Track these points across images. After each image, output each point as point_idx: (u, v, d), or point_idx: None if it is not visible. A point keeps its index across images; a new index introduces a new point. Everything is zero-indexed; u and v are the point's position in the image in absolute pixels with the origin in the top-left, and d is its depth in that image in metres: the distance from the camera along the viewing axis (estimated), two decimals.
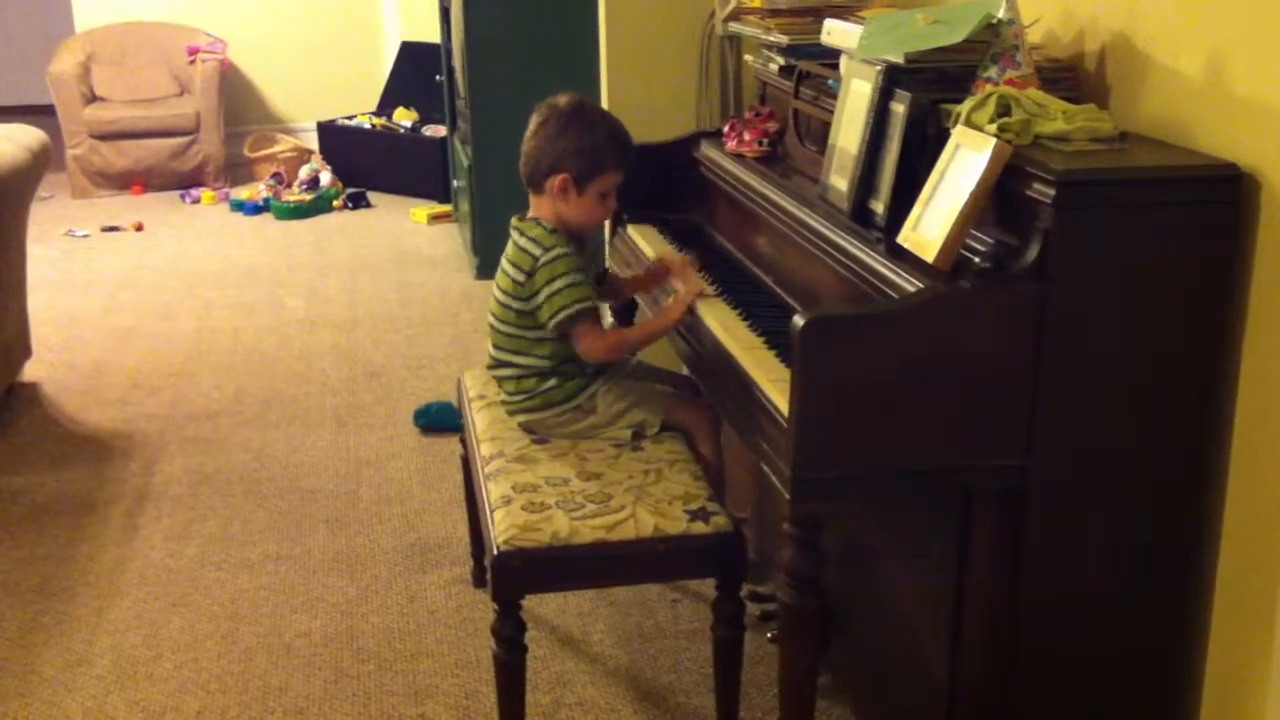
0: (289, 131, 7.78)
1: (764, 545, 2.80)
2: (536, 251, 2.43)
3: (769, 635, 2.61)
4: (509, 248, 2.50)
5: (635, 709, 2.56)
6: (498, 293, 2.52)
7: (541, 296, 2.42)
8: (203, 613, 2.93)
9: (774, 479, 1.89)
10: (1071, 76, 2.18)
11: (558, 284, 2.41)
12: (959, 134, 1.92)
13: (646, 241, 2.96)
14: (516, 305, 2.47)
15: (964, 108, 1.96)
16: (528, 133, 2.50)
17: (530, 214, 2.52)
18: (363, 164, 7.12)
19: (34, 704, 2.61)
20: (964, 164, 1.87)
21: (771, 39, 2.79)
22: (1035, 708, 1.97)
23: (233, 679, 2.68)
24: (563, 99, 2.50)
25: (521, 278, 2.45)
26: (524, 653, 2.28)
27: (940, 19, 2.15)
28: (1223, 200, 1.79)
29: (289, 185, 6.99)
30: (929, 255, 1.87)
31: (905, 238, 1.96)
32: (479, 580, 2.99)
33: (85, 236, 6.37)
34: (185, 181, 7.26)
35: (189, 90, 7.38)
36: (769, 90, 2.97)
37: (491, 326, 2.55)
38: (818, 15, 2.69)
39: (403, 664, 2.71)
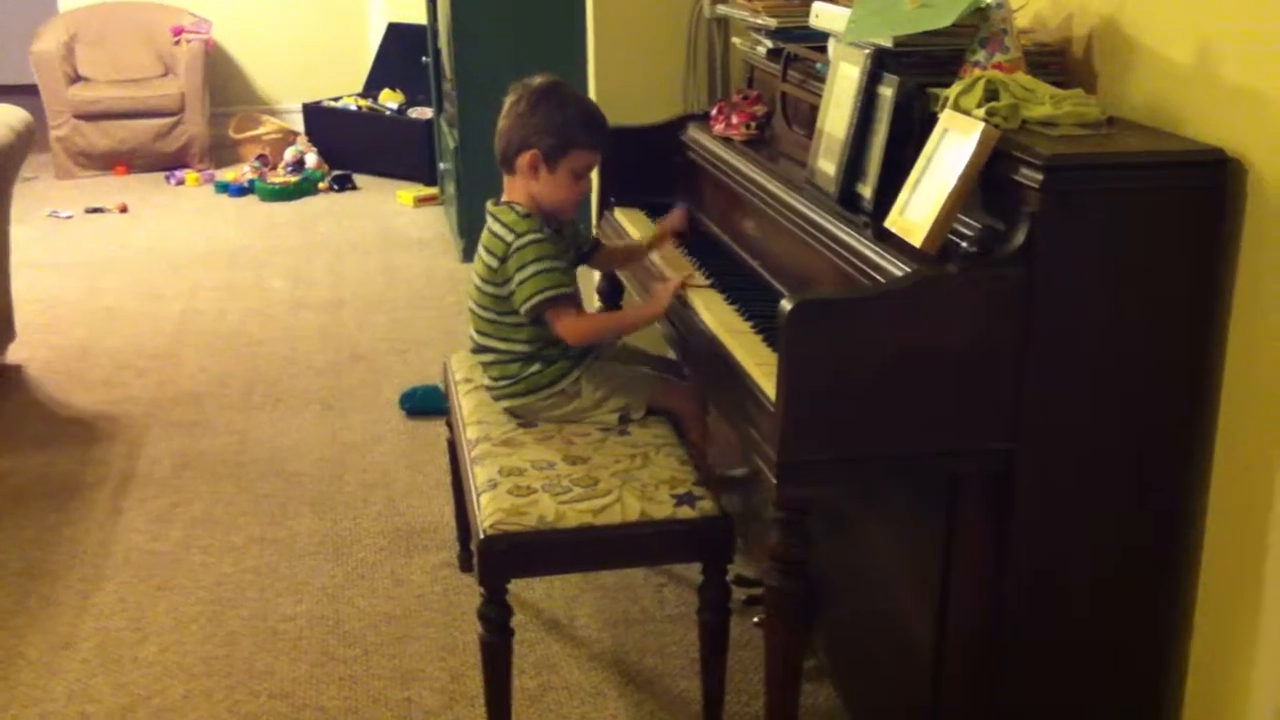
0: (274, 113, 7.74)
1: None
2: (509, 237, 2.42)
3: (755, 620, 2.62)
4: (484, 233, 2.49)
5: (621, 692, 2.56)
6: (476, 278, 2.51)
7: (514, 283, 2.42)
8: (187, 596, 2.93)
9: (760, 463, 1.89)
10: (1059, 61, 2.17)
11: (529, 270, 2.40)
12: (947, 118, 1.92)
13: (633, 225, 2.95)
14: (492, 290, 2.47)
15: (952, 92, 1.96)
16: (501, 113, 2.50)
17: (504, 197, 2.51)
18: (348, 146, 7.09)
19: (18, 687, 2.60)
20: (951, 148, 1.87)
21: (759, 22, 2.78)
22: (1020, 690, 1.97)
23: (218, 662, 2.68)
24: (536, 79, 2.50)
25: (495, 263, 2.44)
26: (510, 636, 2.28)
27: (928, 2, 2.14)
28: (1209, 185, 1.79)
29: (274, 167, 6.96)
30: (916, 239, 1.87)
31: (893, 222, 1.95)
32: (465, 564, 2.99)
33: (69, 218, 6.34)
34: (169, 163, 7.23)
35: (173, 71, 7.34)
36: (756, 73, 2.96)
37: (472, 311, 2.55)
38: None
39: (389, 648, 2.71)
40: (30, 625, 2.82)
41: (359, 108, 7.22)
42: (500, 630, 2.26)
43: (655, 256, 2.72)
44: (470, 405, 2.61)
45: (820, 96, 2.32)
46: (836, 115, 2.22)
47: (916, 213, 1.90)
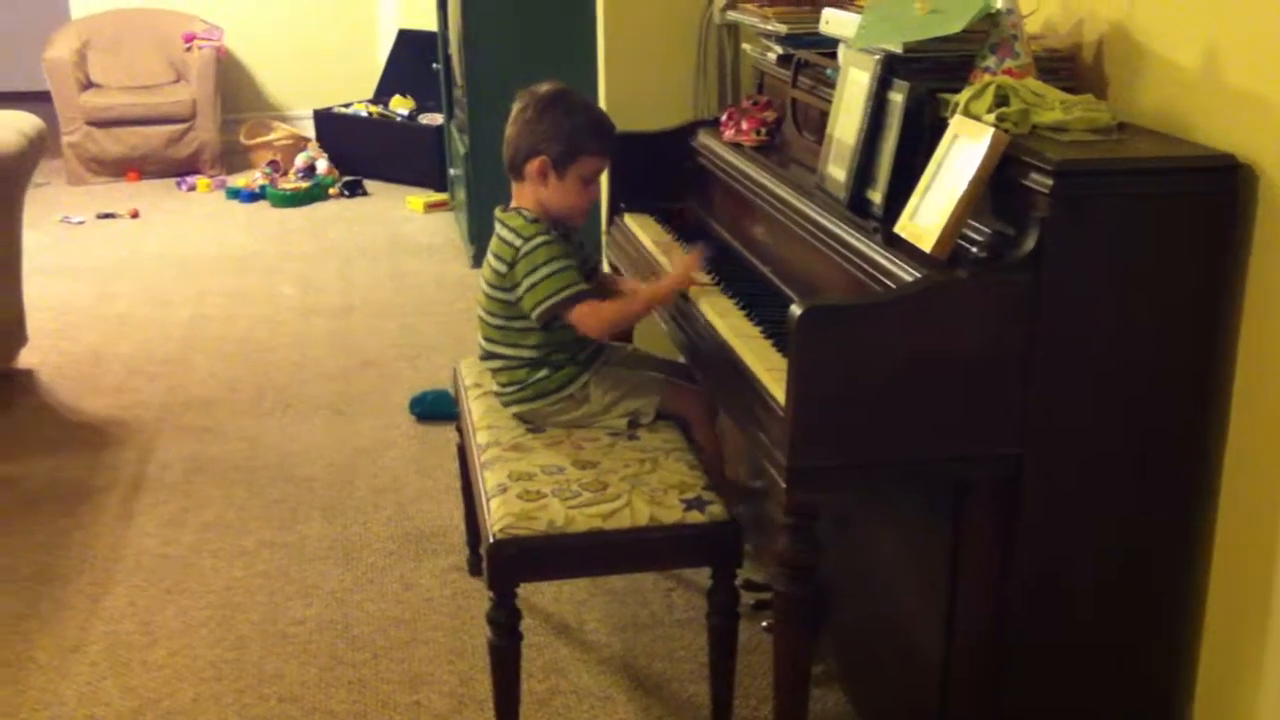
0: (285, 119, 7.76)
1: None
2: (517, 242, 2.43)
3: (763, 624, 2.62)
4: (493, 239, 2.50)
5: (630, 697, 2.56)
6: (484, 284, 2.52)
7: (523, 288, 2.42)
8: (198, 600, 2.93)
9: (770, 468, 1.89)
10: (1069, 67, 2.17)
11: (540, 273, 2.41)
12: (957, 124, 1.92)
13: (644, 231, 2.95)
14: (501, 296, 2.48)
15: (962, 97, 1.96)
16: (509, 120, 2.51)
17: (513, 204, 2.52)
18: (359, 152, 7.10)
19: (29, 690, 2.61)
20: (962, 153, 1.87)
21: (769, 28, 2.79)
22: (1027, 694, 1.97)
23: (227, 666, 2.68)
24: (543, 86, 2.50)
25: (504, 269, 2.45)
26: (519, 640, 2.28)
27: (939, 8, 2.14)
28: (1220, 191, 1.79)
29: (285, 173, 6.97)
30: (926, 245, 1.87)
31: (903, 227, 1.96)
32: (474, 568, 2.99)
33: (81, 223, 6.35)
34: (181, 169, 7.24)
35: (185, 77, 7.36)
36: (767, 79, 2.97)
37: (480, 318, 2.55)
38: (816, 4, 2.69)
39: (398, 651, 2.72)
40: (40, 629, 2.82)
41: (370, 114, 7.23)
42: (509, 634, 2.26)
43: (664, 261, 2.72)
44: (480, 410, 2.61)
45: (830, 102, 2.32)
46: (847, 121, 2.22)
47: (926, 218, 1.90)
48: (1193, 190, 1.80)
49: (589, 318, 2.43)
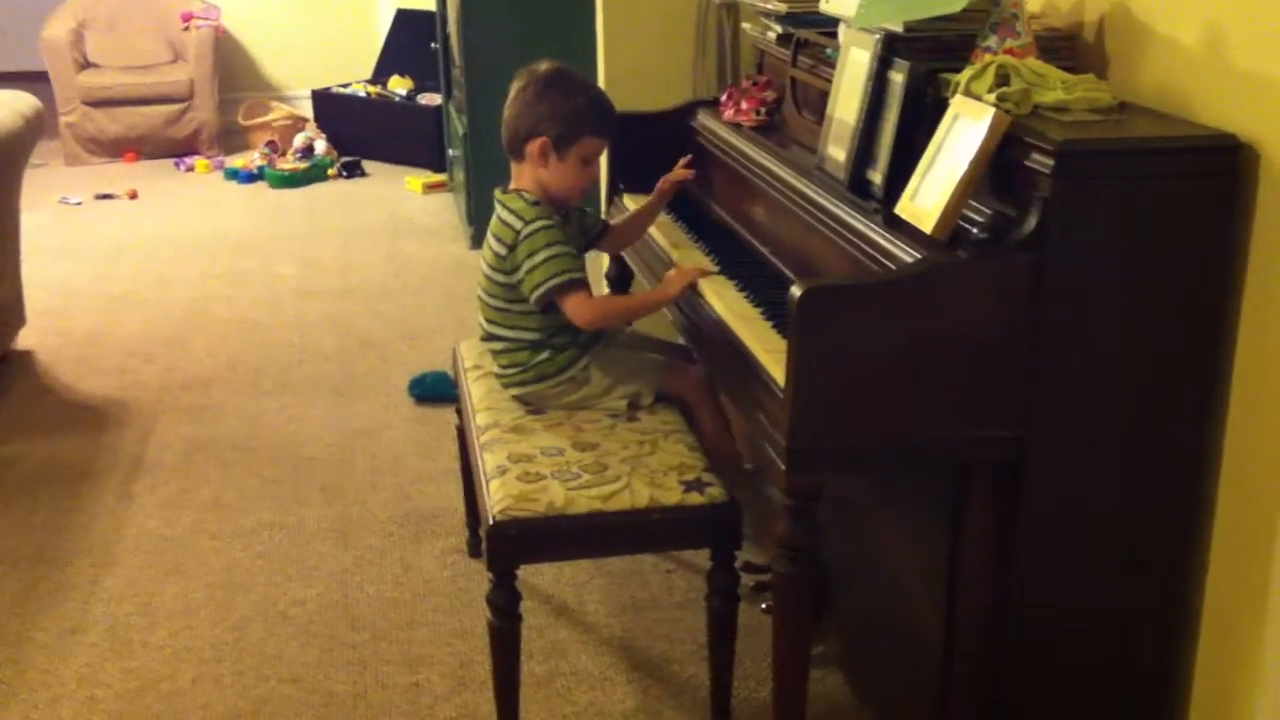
0: (283, 99, 7.74)
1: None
2: (518, 225, 2.42)
3: (763, 606, 2.62)
4: (493, 220, 2.49)
5: (629, 678, 2.56)
6: (484, 266, 2.52)
7: (523, 270, 2.42)
8: (197, 581, 2.93)
9: (770, 450, 1.89)
10: (1070, 46, 2.17)
11: (539, 257, 2.40)
12: (958, 104, 1.91)
13: None
14: (501, 279, 2.47)
15: (963, 77, 1.95)
16: (508, 100, 2.50)
17: (512, 185, 2.51)
18: (358, 132, 7.08)
19: (28, 672, 2.61)
20: (962, 134, 1.86)
21: (769, 7, 2.77)
22: (1026, 680, 1.97)
23: (228, 647, 2.68)
24: (543, 65, 2.49)
25: (504, 251, 2.44)
26: (519, 622, 2.28)
27: None
28: (1222, 171, 1.78)
29: (283, 154, 6.96)
30: (927, 226, 1.86)
31: (903, 208, 1.95)
32: (474, 550, 2.99)
33: (79, 204, 6.35)
34: (179, 149, 7.23)
35: (183, 57, 7.34)
36: (766, 59, 2.96)
37: (481, 300, 2.55)
38: None
39: (398, 633, 2.72)
40: (40, 610, 2.83)
41: (368, 94, 7.21)
42: (509, 616, 2.26)
43: (665, 242, 2.72)
44: (480, 392, 2.61)
45: (830, 82, 2.31)
46: (847, 101, 2.21)
47: (927, 199, 1.89)
48: (1194, 170, 1.79)
49: (582, 308, 2.43)
